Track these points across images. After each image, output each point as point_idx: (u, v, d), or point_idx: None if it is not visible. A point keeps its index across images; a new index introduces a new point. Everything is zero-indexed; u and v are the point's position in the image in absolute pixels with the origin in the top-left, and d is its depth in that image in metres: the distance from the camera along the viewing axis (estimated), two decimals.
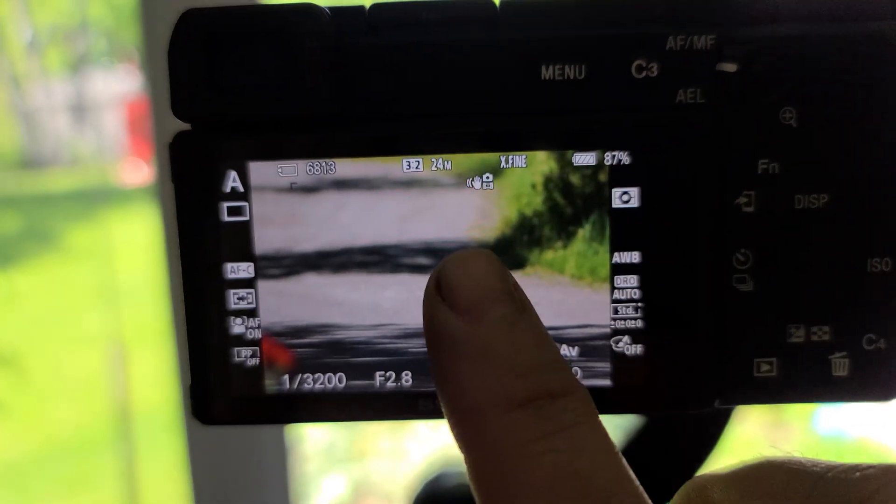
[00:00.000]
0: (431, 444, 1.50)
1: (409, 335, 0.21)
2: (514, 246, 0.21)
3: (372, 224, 0.21)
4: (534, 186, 0.20)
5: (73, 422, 1.78)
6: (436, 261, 0.20)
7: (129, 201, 2.58)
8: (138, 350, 1.74)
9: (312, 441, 1.51)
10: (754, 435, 1.60)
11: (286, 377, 0.21)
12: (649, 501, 0.17)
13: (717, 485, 0.19)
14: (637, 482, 0.17)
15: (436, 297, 0.18)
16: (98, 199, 2.74)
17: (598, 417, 0.18)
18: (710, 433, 0.40)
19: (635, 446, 0.42)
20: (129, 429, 1.58)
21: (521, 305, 0.18)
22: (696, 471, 0.40)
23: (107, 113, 2.80)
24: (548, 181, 0.20)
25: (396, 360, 0.21)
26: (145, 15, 0.65)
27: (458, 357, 0.18)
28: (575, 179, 0.20)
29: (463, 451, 0.18)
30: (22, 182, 3.01)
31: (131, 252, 2.14)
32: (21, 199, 2.96)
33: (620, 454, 0.17)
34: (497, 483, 0.17)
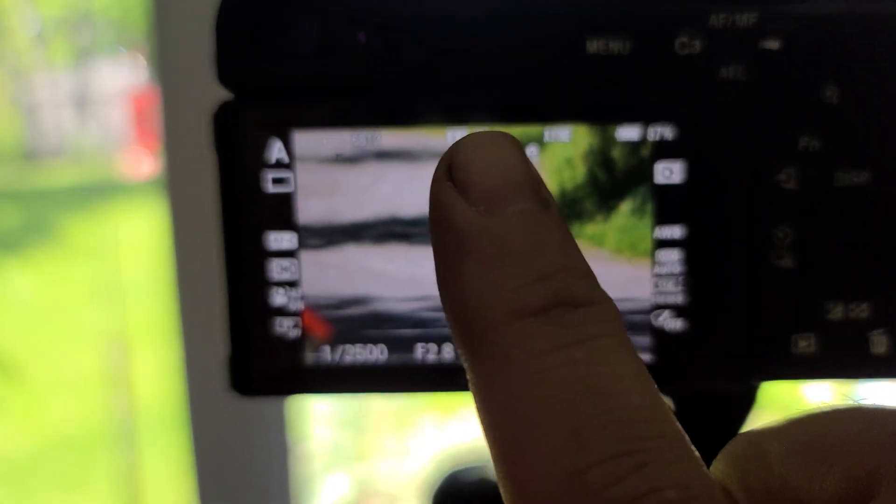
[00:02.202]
0: (436, 444, 1.50)
1: None
2: None
3: (415, 196, 0.21)
4: (575, 160, 0.20)
5: (74, 419, 1.78)
6: None
7: (132, 195, 2.58)
8: (141, 347, 1.74)
9: (316, 440, 1.51)
10: None
11: (327, 348, 0.21)
12: (681, 429, 0.14)
13: (775, 438, 0.16)
14: (668, 408, 0.15)
15: (445, 181, 0.16)
16: (101, 193, 2.74)
17: (626, 334, 0.15)
18: (733, 417, 0.40)
19: None
20: (131, 426, 1.58)
21: (545, 202, 0.16)
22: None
23: (111, 106, 2.79)
24: (590, 155, 0.20)
25: (437, 333, 0.21)
26: (154, 5, 0.65)
27: (467, 253, 0.15)
28: (617, 154, 0.20)
29: (467, 367, 0.15)
30: (24, 175, 3.01)
31: (134, 247, 2.14)
32: (23, 193, 2.96)
33: (651, 378, 0.15)
34: (503, 402, 0.14)
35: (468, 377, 0.15)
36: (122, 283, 2.02)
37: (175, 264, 0.68)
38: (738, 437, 0.17)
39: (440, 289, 0.16)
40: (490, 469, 0.44)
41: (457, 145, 0.16)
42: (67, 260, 2.52)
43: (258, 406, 0.70)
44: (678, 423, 0.14)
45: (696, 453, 0.14)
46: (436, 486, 0.42)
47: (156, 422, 1.55)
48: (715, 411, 0.39)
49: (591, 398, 0.14)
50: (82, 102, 2.89)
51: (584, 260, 0.16)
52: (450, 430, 1.54)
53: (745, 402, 0.39)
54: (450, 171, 0.16)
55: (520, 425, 0.14)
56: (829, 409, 0.16)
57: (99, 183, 2.87)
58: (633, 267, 0.21)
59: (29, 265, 2.46)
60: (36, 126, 2.99)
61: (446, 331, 0.21)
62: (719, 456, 0.17)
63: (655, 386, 0.15)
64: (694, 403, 0.38)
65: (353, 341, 0.21)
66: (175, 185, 0.67)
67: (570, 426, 0.14)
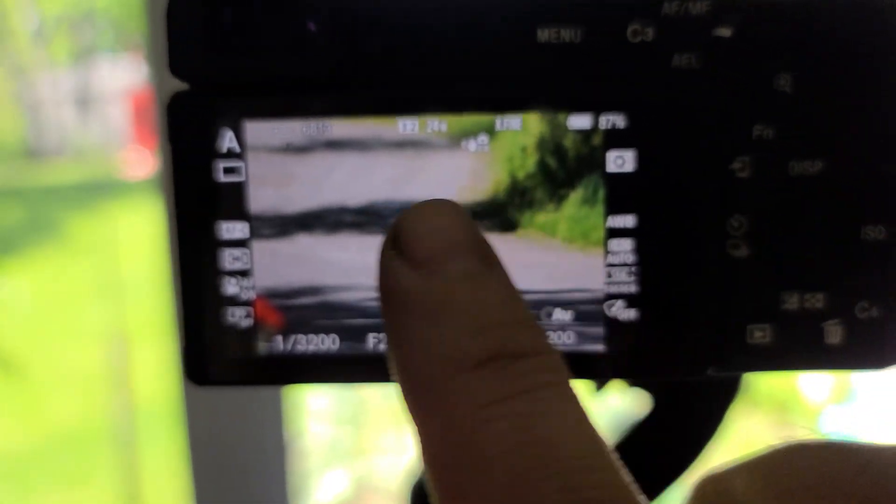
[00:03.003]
0: None
1: None
2: (507, 208, 0.21)
3: (365, 185, 0.21)
4: (527, 149, 0.20)
5: (74, 416, 1.79)
6: None
7: (133, 193, 2.58)
8: (140, 344, 1.74)
9: (314, 436, 1.51)
10: (757, 434, 1.60)
11: (279, 338, 0.21)
12: (626, 476, 0.14)
13: (738, 476, 0.16)
14: (612, 456, 0.15)
15: (390, 250, 0.16)
16: (102, 190, 2.75)
17: (569, 382, 0.15)
18: (714, 413, 0.40)
19: (639, 430, 0.42)
20: (130, 423, 1.58)
21: (487, 260, 0.16)
22: (702, 449, 0.40)
23: (112, 104, 2.80)
24: (541, 144, 0.20)
25: None
26: (151, 4, 0.65)
27: (409, 312, 0.15)
28: (569, 142, 0.20)
29: (414, 425, 0.15)
30: (26, 173, 3.02)
31: (135, 244, 2.15)
32: (24, 191, 2.97)
33: (595, 424, 0.15)
34: (449, 455, 0.14)
35: (415, 435, 0.15)
36: (122, 281, 2.02)
37: (173, 262, 0.68)
38: (704, 475, 0.17)
39: (388, 355, 0.16)
40: None
41: (400, 215, 0.16)
42: (68, 257, 2.53)
43: (256, 403, 0.70)
44: (622, 471, 0.14)
45: (641, 500, 0.14)
46: (415, 479, 0.42)
47: (155, 418, 1.55)
48: (696, 404, 0.39)
49: (532, 449, 0.14)
50: (83, 101, 2.90)
51: (528, 312, 0.16)
52: None
53: (728, 394, 0.39)
54: (395, 238, 0.16)
55: (463, 477, 0.14)
56: (793, 444, 0.16)
57: (100, 181, 2.88)
58: (585, 256, 0.21)
59: (30, 263, 2.47)
60: (37, 124, 3.00)
61: None
62: (687, 494, 0.17)
63: (599, 434, 0.15)
64: (675, 396, 0.38)
65: (305, 331, 0.21)
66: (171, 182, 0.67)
67: (513, 477, 0.14)
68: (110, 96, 2.76)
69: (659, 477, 0.41)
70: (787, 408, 1.63)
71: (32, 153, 3.01)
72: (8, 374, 1.80)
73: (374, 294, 0.21)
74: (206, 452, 0.71)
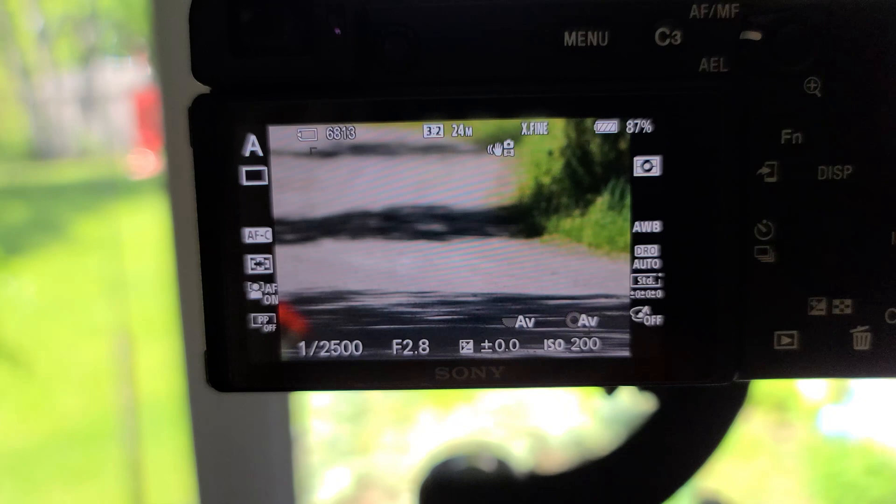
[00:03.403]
0: (435, 438, 1.50)
1: (426, 303, 0.21)
2: (532, 213, 0.20)
3: (390, 190, 0.20)
4: (553, 154, 0.20)
5: (79, 412, 1.79)
6: (452, 227, 0.20)
7: (137, 193, 2.58)
8: (145, 341, 1.75)
9: (317, 433, 1.51)
10: (759, 435, 1.59)
11: (302, 344, 0.21)
12: None
13: None
14: None
15: None
16: (106, 190, 2.75)
17: None
18: (724, 416, 0.40)
19: (644, 434, 0.42)
20: (134, 419, 1.58)
21: None
22: (707, 459, 0.40)
23: (116, 104, 2.80)
24: (567, 148, 0.20)
25: (413, 328, 0.21)
26: (156, 5, 0.65)
27: None
28: (596, 147, 0.20)
29: None
30: (31, 173, 3.02)
31: (139, 243, 2.15)
32: (30, 190, 2.97)
33: None
34: None
35: None
36: (127, 279, 2.02)
37: (177, 260, 0.68)
38: None
39: None
40: (476, 457, 0.44)
41: None
42: (73, 256, 2.53)
43: (260, 400, 0.70)
44: None
45: None
46: (423, 478, 0.42)
47: (159, 415, 1.55)
48: (704, 409, 0.38)
49: None
50: (87, 102, 2.90)
51: None
52: (448, 424, 1.54)
53: (736, 400, 0.39)
54: None
55: None
56: None
57: (104, 181, 2.88)
58: (611, 261, 0.21)
59: (35, 261, 2.47)
60: (42, 125, 3.00)
61: (421, 326, 0.21)
62: None
63: None
64: (683, 401, 0.38)
65: (328, 337, 0.21)
66: (176, 182, 0.67)
67: None
68: (114, 97, 2.76)
69: (667, 479, 0.41)
70: (786, 407, 1.63)
71: (37, 153, 3.02)
72: (14, 372, 1.81)
73: (398, 299, 0.21)
74: (211, 449, 0.71)
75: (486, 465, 0.44)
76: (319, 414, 1.55)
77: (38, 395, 1.85)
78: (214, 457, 0.71)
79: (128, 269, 2.09)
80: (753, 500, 1.47)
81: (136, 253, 2.14)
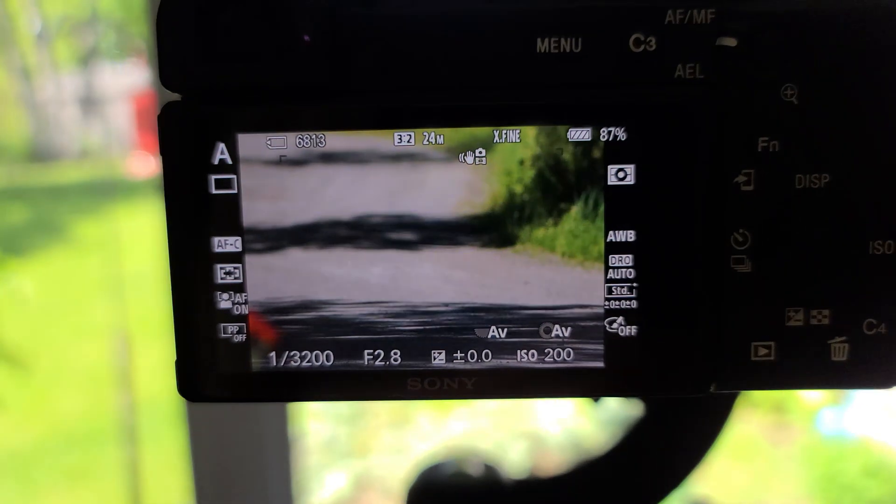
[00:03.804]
0: (433, 440, 1.50)
1: (397, 313, 0.20)
2: (505, 222, 0.20)
3: (360, 198, 0.20)
4: (525, 162, 0.20)
5: (77, 413, 1.79)
6: (423, 236, 0.20)
7: (136, 194, 2.59)
8: (143, 342, 1.75)
9: (314, 435, 1.51)
10: (756, 436, 1.59)
11: (273, 354, 0.21)
12: None
13: None
14: None
15: None
16: (105, 191, 2.75)
17: None
18: (711, 425, 0.40)
19: (634, 438, 0.42)
20: (132, 420, 1.58)
21: None
22: (697, 463, 0.40)
23: (115, 106, 2.81)
24: (540, 157, 0.20)
25: (385, 339, 0.21)
26: (154, 8, 0.65)
27: None
28: (569, 155, 0.20)
29: None
30: (30, 174, 3.02)
31: (138, 244, 2.15)
32: (29, 191, 2.98)
33: None
34: None
35: None
36: (126, 279, 2.03)
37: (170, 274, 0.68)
38: None
39: None
40: (465, 462, 0.44)
41: None
42: (72, 256, 2.54)
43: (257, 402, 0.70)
44: None
45: None
46: (412, 483, 0.42)
47: (157, 416, 1.55)
48: (693, 413, 0.38)
49: None
50: (87, 103, 2.90)
51: None
52: (446, 426, 1.54)
53: (725, 404, 0.39)
54: None
55: None
56: None
57: (103, 181, 2.88)
58: (584, 271, 0.20)
59: (35, 262, 2.48)
60: (41, 126, 3.00)
61: (393, 337, 0.21)
62: None
63: None
64: (670, 406, 0.38)
65: (299, 347, 0.21)
66: None
67: None
68: (113, 98, 2.77)
69: (657, 483, 0.41)
70: (784, 408, 1.63)
71: (36, 155, 3.02)
72: (13, 372, 1.81)
73: (369, 309, 0.20)
74: (208, 450, 0.71)
75: (474, 470, 0.44)
76: (317, 415, 1.55)
77: (37, 395, 1.85)
78: (212, 458, 0.71)
79: (126, 270, 2.09)
80: (751, 502, 1.47)
81: (135, 254, 2.14)
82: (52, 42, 2.96)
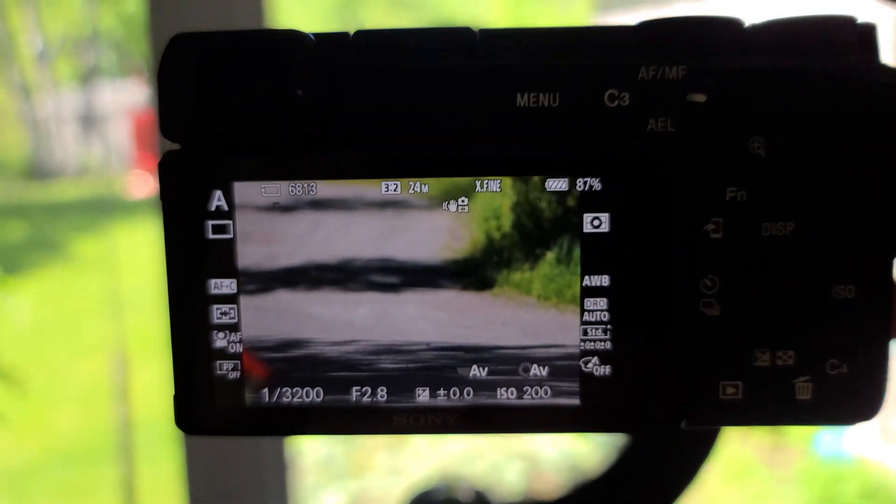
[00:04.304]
0: (429, 461, 1.50)
1: (381, 351, 0.22)
2: (484, 267, 0.21)
3: (346, 243, 0.21)
4: (503, 210, 0.21)
5: (73, 430, 1.79)
6: (405, 280, 0.21)
7: (134, 212, 2.59)
8: (140, 360, 1.75)
9: (311, 455, 1.51)
10: (753, 458, 1.59)
11: (265, 390, 0.22)
12: None
13: None
14: None
15: None
16: (104, 209, 2.76)
17: None
18: (696, 453, 0.40)
19: (625, 462, 0.42)
20: (129, 438, 1.58)
21: None
22: (688, 484, 0.40)
23: (114, 125, 2.82)
24: (519, 205, 0.21)
25: (371, 376, 0.22)
26: (153, 29, 0.66)
27: None
28: (546, 204, 0.21)
29: None
30: (29, 191, 3.03)
31: (136, 262, 2.15)
32: (28, 208, 2.98)
33: None
34: None
35: None
36: (123, 298, 2.03)
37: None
38: None
39: None
40: (455, 488, 0.44)
41: None
42: (70, 274, 2.54)
43: None
44: None
45: None
46: (412, 498, 0.43)
47: (153, 434, 1.55)
48: (674, 453, 0.39)
49: None
50: (86, 121, 2.91)
51: None
52: (441, 448, 1.54)
53: (705, 445, 0.40)
54: None
55: None
56: None
57: (102, 199, 2.89)
58: (559, 314, 0.21)
59: (33, 279, 2.47)
60: (41, 144, 3.01)
61: (379, 374, 0.22)
62: None
63: None
64: (653, 445, 0.39)
65: (290, 384, 0.22)
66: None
67: None
68: (113, 117, 2.78)
69: None
70: (781, 430, 1.63)
71: (36, 172, 3.02)
72: (10, 389, 1.81)
73: (356, 347, 0.21)
74: (205, 469, 0.71)
75: (465, 496, 0.45)
76: (314, 436, 1.54)
77: (34, 412, 1.85)
78: (208, 477, 0.71)
79: (124, 287, 2.09)
80: None
81: (133, 272, 2.14)
82: (52, 60, 2.97)
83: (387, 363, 0.22)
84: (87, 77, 2.90)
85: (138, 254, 2.11)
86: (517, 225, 0.21)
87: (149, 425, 1.60)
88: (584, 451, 1.49)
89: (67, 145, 3.02)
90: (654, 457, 0.41)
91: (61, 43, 2.92)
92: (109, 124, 2.82)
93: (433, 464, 1.49)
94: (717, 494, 1.49)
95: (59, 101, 2.97)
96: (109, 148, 2.96)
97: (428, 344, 0.21)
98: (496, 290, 0.21)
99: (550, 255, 0.21)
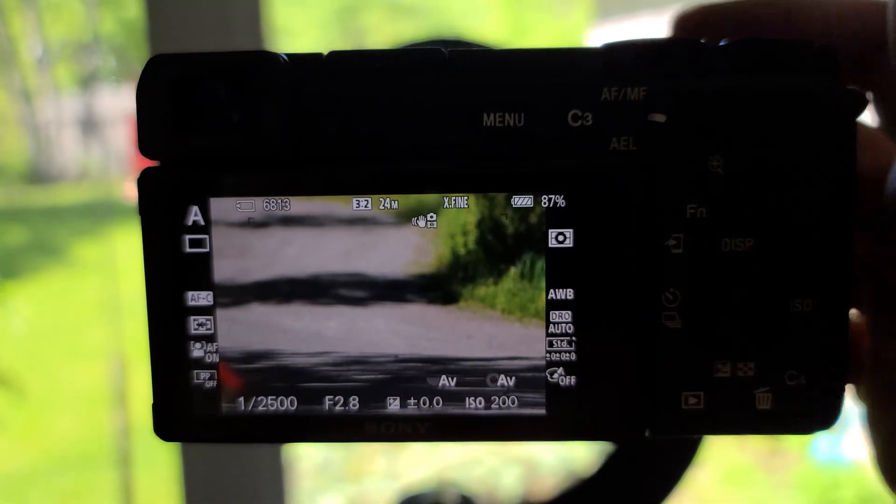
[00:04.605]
0: (426, 465, 1.50)
1: (351, 362, 0.22)
2: (449, 281, 0.22)
3: (316, 258, 0.22)
4: (469, 226, 0.22)
5: (72, 436, 1.79)
6: (373, 294, 0.22)
7: (133, 217, 2.60)
8: (139, 365, 1.75)
9: (308, 460, 1.51)
10: (751, 463, 1.60)
11: (241, 399, 0.22)
12: None
13: None
14: None
15: None
16: (103, 213, 2.76)
17: None
18: (681, 456, 0.41)
19: (608, 469, 0.43)
20: (127, 444, 1.59)
21: None
22: (675, 485, 0.41)
23: (114, 129, 2.82)
24: (485, 221, 0.22)
25: (343, 386, 0.22)
26: (152, 34, 0.67)
27: None
28: (512, 220, 0.22)
29: None
30: (29, 196, 3.03)
31: (135, 267, 2.16)
32: (27, 213, 2.99)
33: None
34: None
35: None
36: (122, 302, 2.03)
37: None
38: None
39: None
40: (443, 493, 0.45)
41: None
42: (69, 278, 2.54)
43: None
44: None
45: None
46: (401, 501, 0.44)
47: (151, 440, 1.55)
48: (656, 462, 0.40)
49: None
50: (86, 126, 2.92)
51: None
52: (438, 453, 1.54)
53: (687, 454, 0.40)
54: None
55: None
56: None
57: (101, 203, 2.89)
58: (523, 327, 0.22)
59: (32, 283, 2.48)
60: (41, 148, 3.02)
61: (351, 385, 0.22)
62: None
63: None
64: (635, 454, 0.40)
65: (265, 393, 0.22)
66: None
67: None
68: (112, 121, 2.79)
69: None
70: (779, 436, 1.63)
71: (35, 176, 3.03)
72: (8, 395, 1.81)
73: (325, 360, 0.22)
74: (202, 474, 0.72)
75: (451, 501, 0.46)
76: None
77: (32, 418, 1.86)
78: (206, 482, 0.72)
79: (123, 292, 2.10)
80: None
81: (132, 276, 2.14)
82: (53, 65, 2.98)
83: (357, 373, 0.22)
84: (88, 82, 2.91)
85: (137, 258, 2.12)
86: (481, 241, 0.22)
87: (147, 431, 1.60)
88: (582, 456, 1.49)
89: (67, 150, 3.03)
90: (640, 460, 0.42)
91: (61, 48, 2.93)
92: (109, 129, 2.83)
93: (430, 469, 1.49)
94: (715, 499, 1.49)
95: (60, 106, 2.98)
96: (109, 152, 2.97)
97: (395, 356, 0.22)
98: (461, 303, 0.22)
99: (514, 271, 0.22)
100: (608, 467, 0.43)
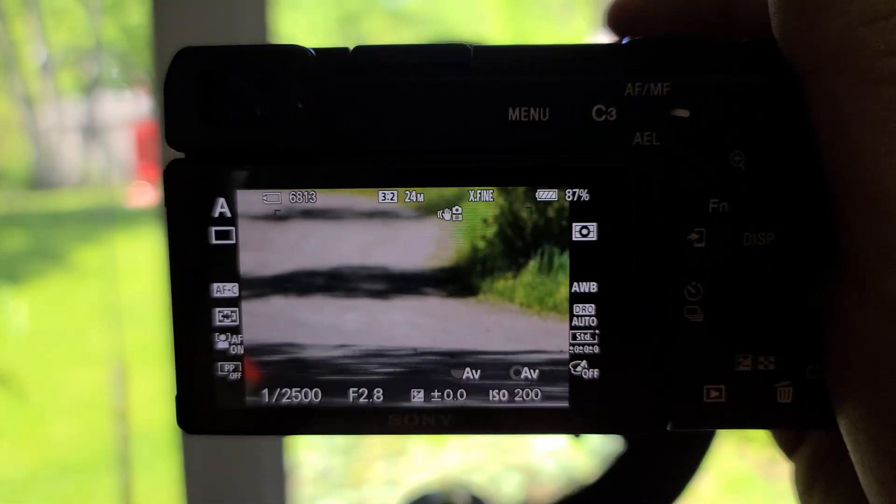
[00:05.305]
0: (427, 472, 1.50)
1: (370, 355, 0.22)
2: (468, 274, 0.22)
3: (338, 250, 0.22)
4: (490, 220, 0.22)
5: (72, 441, 1.79)
6: (393, 287, 0.22)
7: (135, 222, 2.60)
8: (139, 370, 1.75)
9: (309, 466, 1.51)
10: (751, 471, 1.59)
11: (265, 391, 0.23)
12: None
13: None
14: None
15: None
16: (105, 219, 2.77)
17: None
18: (689, 458, 0.41)
19: (613, 473, 0.43)
20: (127, 449, 1.59)
21: None
22: (679, 492, 0.41)
23: (116, 135, 2.83)
24: (507, 215, 0.22)
25: (367, 379, 0.22)
26: (157, 40, 0.67)
27: None
28: (537, 214, 0.22)
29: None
30: (31, 201, 3.04)
31: (136, 272, 2.16)
32: (29, 218, 2.99)
33: None
34: None
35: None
36: (123, 307, 2.03)
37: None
38: None
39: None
40: (452, 493, 0.45)
41: None
42: (71, 284, 2.54)
43: None
44: None
45: None
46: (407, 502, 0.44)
47: (152, 445, 1.56)
48: (669, 457, 0.40)
49: None
50: (89, 132, 2.92)
51: None
52: (441, 458, 1.54)
53: (700, 448, 0.40)
54: None
55: None
56: None
57: (103, 209, 2.89)
58: (541, 320, 0.22)
59: (33, 289, 2.48)
60: (43, 154, 3.02)
61: (375, 377, 0.23)
62: None
63: None
64: (648, 448, 0.40)
65: (289, 385, 0.23)
66: None
67: None
68: (115, 128, 2.79)
69: None
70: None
71: (38, 182, 3.04)
72: (8, 399, 1.81)
73: (345, 352, 0.22)
74: (203, 480, 0.72)
75: (461, 501, 0.46)
76: (312, 446, 1.55)
77: (32, 423, 1.86)
78: (206, 488, 0.72)
79: (124, 298, 2.10)
80: None
81: (134, 282, 2.15)
82: (56, 71, 2.99)
83: (375, 366, 0.22)
84: (90, 88, 2.91)
85: (138, 264, 2.12)
86: (501, 234, 0.22)
87: (147, 435, 1.60)
88: (582, 463, 1.49)
89: (69, 156, 3.03)
90: (645, 464, 0.42)
91: (64, 54, 2.94)
92: (111, 135, 2.83)
93: (431, 475, 1.49)
94: None
95: (62, 112, 2.98)
96: (111, 158, 2.97)
97: (414, 349, 0.22)
98: (480, 297, 0.22)
99: (533, 264, 0.22)
100: (610, 474, 0.43)
